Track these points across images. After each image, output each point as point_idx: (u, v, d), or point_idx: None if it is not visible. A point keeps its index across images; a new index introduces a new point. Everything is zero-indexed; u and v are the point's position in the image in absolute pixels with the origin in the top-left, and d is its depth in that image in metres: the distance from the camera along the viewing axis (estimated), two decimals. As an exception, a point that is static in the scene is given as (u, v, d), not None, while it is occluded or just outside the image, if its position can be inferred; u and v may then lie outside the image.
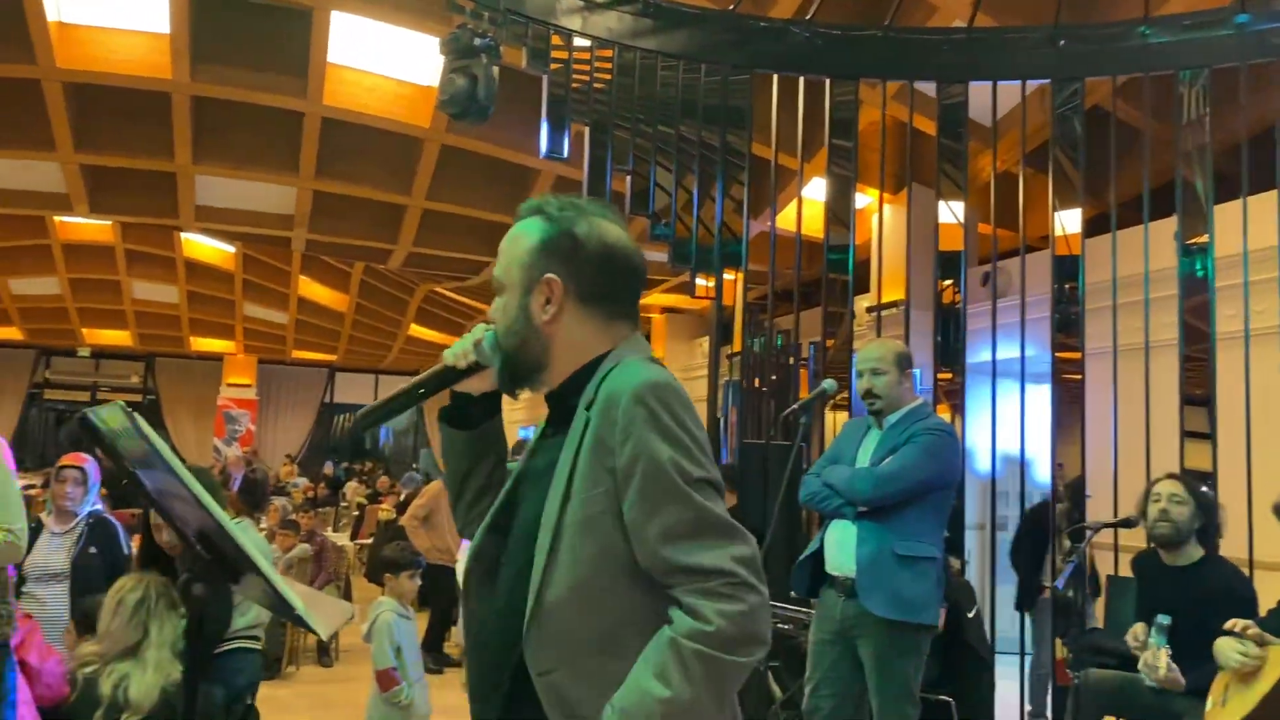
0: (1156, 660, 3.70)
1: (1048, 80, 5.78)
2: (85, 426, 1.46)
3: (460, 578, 1.68)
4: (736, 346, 6.61)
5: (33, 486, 8.50)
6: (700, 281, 6.20)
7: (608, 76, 5.70)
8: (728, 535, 1.39)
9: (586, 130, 5.70)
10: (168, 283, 14.82)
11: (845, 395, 5.78)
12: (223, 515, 1.44)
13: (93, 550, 4.16)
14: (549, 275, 1.55)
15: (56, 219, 12.09)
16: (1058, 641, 5.27)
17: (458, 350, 1.61)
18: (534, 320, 1.56)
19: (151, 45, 7.45)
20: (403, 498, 13.88)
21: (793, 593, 3.95)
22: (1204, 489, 4.24)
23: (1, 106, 8.25)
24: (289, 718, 6.05)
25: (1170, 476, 4.15)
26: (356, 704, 5.11)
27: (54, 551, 4.13)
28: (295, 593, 1.47)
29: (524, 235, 1.59)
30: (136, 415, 1.41)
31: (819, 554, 3.76)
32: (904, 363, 3.80)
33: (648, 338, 15.34)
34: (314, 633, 1.44)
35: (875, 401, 3.76)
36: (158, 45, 7.39)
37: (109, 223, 12.03)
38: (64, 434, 20.43)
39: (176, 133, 8.28)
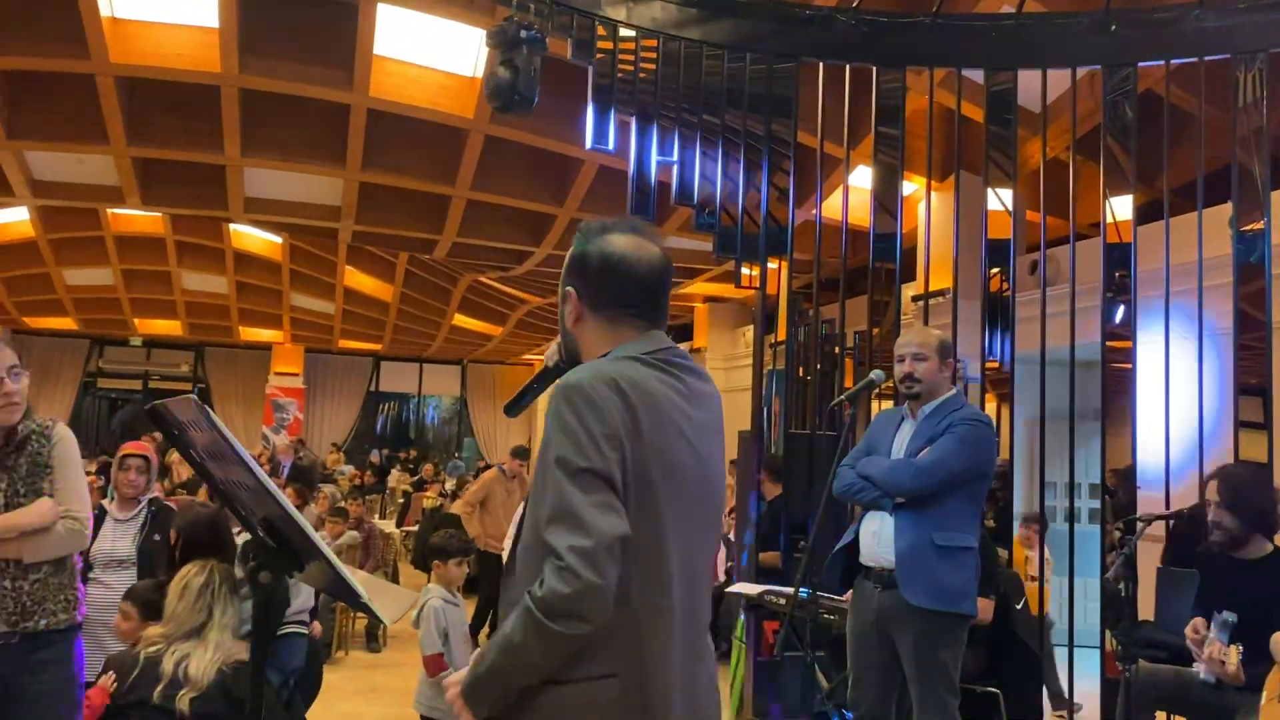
0: (1226, 656, 3.63)
1: (1098, 66, 5.70)
2: (155, 416, 1.50)
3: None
4: (780, 335, 6.59)
5: (88, 473, 8.68)
6: (744, 271, 6.19)
7: (652, 66, 5.70)
8: (575, 526, 1.60)
9: (631, 120, 5.71)
10: (217, 273, 15.04)
11: (890, 385, 5.75)
12: (289, 503, 1.47)
13: (156, 537, 4.26)
14: (568, 289, 1.89)
15: (109, 211, 12.30)
16: (1106, 633, 5.21)
17: (550, 352, 2.02)
18: (567, 325, 1.91)
19: (201, 39, 7.54)
20: (447, 486, 14.04)
21: (828, 586, 3.95)
22: (1254, 485, 4.12)
23: (57, 101, 8.41)
24: (338, 702, 6.14)
25: (1219, 474, 4.06)
26: (404, 689, 5.19)
27: (120, 538, 4.23)
28: (358, 579, 1.51)
29: (569, 257, 1.92)
30: (207, 407, 1.45)
31: (852, 546, 3.75)
32: (945, 351, 3.78)
33: (689, 327, 15.37)
34: (379, 619, 1.47)
35: (914, 386, 3.73)
36: (207, 39, 7.48)
37: (160, 215, 12.22)
38: (116, 421, 20.86)
39: (226, 126, 8.39)
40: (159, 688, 2.80)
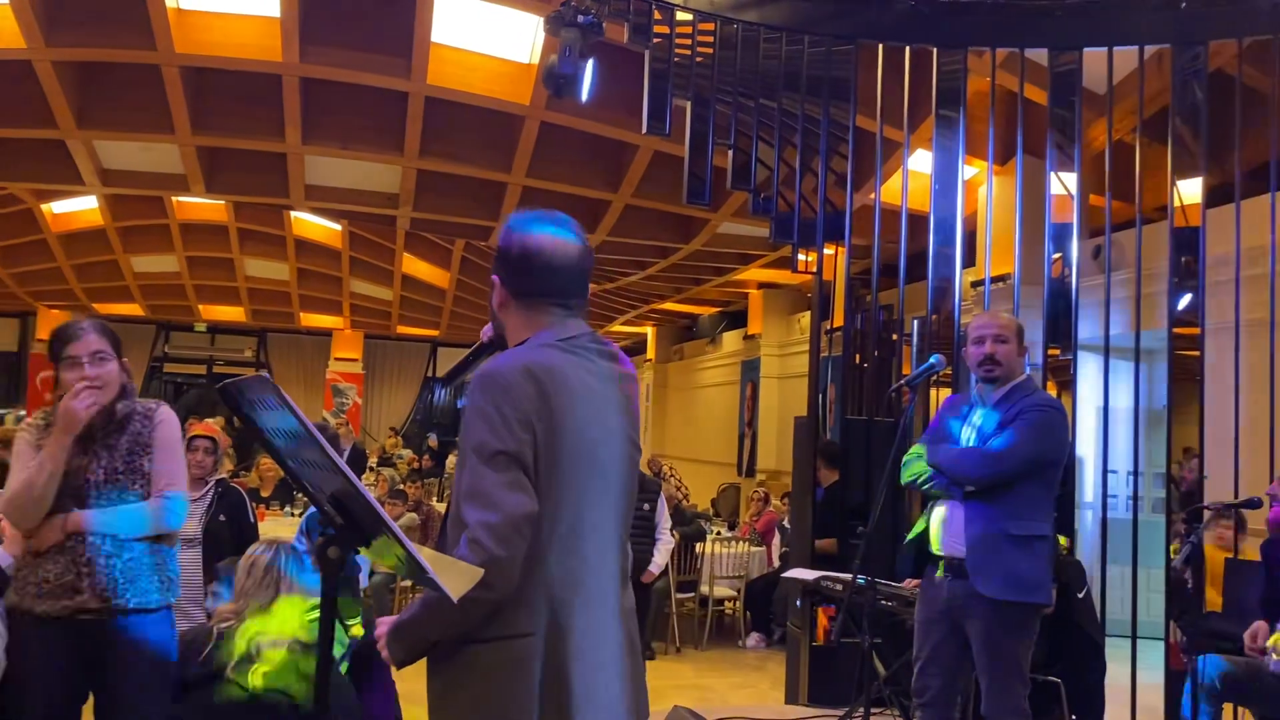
0: None
1: (1167, 45, 5.56)
2: (226, 395, 1.54)
3: None
4: (836, 322, 6.55)
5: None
6: (801, 257, 6.15)
7: (709, 50, 5.68)
8: (486, 504, 1.78)
9: (688, 105, 5.69)
10: (279, 260, 15.30)
11: (948, 372, 5.69)
12: (358, 480, 1.50)
13: (221, 518, 4.34)
14: (494, 276, 2.05)
15: (175, 199, 12.57)
16: (1172, 625, 5.12)
17: (485, 329, 2.14)
18: (494, 309, 2.07)
19: (263, 29, 7.66)
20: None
21: (900, 575, 3.92)
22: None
23: (125, 91, 8.59)
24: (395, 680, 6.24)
25: None
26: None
27: (188, 518, 4.33)
28: (424, 556, 1.53)
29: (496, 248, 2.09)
30: (278, 386, 1.48)
31: (923, 534, 3.71)
32: (1023, 335, 3.72)
33: (743, 314, 15.27)
34: (447, 594, 1.50)
35: (995, 369, 3.66)
36: (269, 29, 7.59)
37: (223, 202, 12.45)
38: (181, 405, 21.34)
39: (287, 114, 8.51)
40: (232, 662, 2.88)
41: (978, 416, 3.70)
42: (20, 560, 2.89)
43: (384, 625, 1.90)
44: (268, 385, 1.48)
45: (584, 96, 5.38)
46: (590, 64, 5.25)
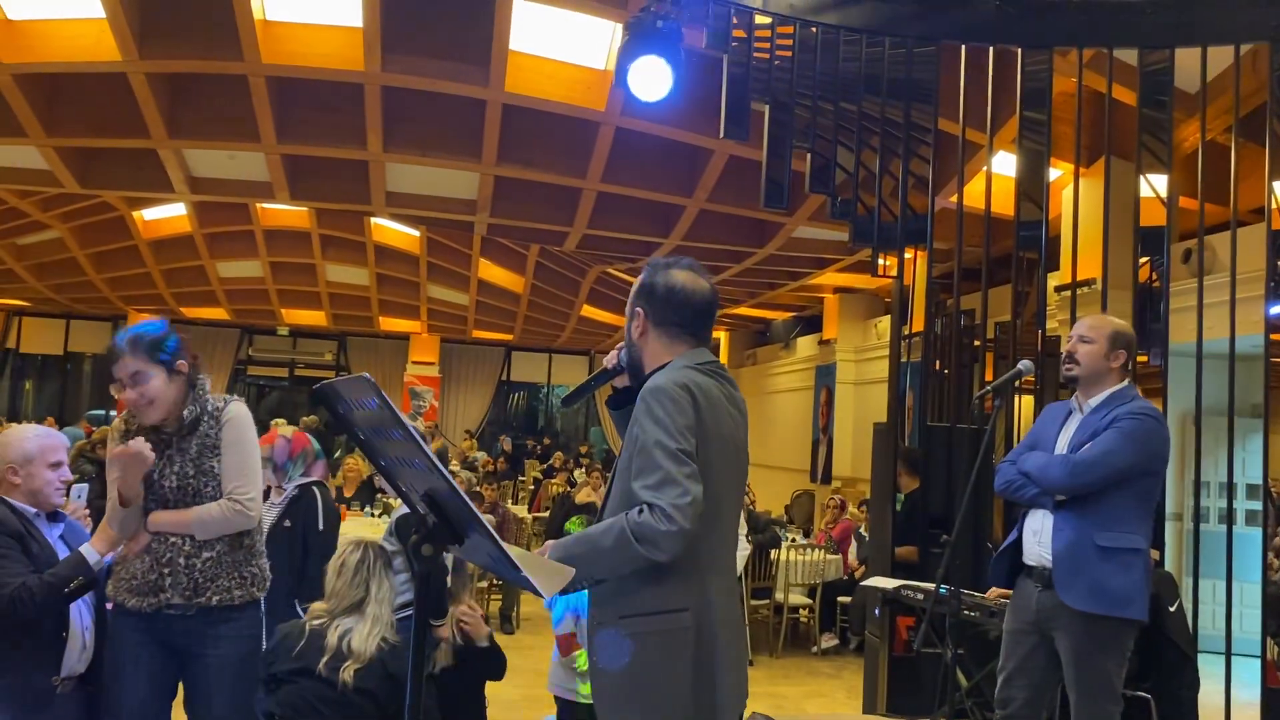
0: None
1: (1265, 42, 5.38)
2: (322, 396, 1.57)
3: None
4: (916, 326, 6.45)
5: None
6: (880, 261, 6.08)
7: (788, 54, 5.64)
8: (678, 489, 2.16)
9: (766, 109, 5.66)
10: (359, 266, 15.59)
11: (1031, 380, 5.57)
12: (453, 479, 1.52)
13: (287, 523, 4.37)
14: (638, 309, 2.43)
15: (259, 206, 12.88)
16: (1269, 641, 4.94)
17: (609, 358, 2.51)
18: (633, 338, 2.45)
19: (346, 39, 7.81)
20: (575, 475, 14.26)
21: (991, 584, 3.84)
22: None
23: (213, 101, 8.84)
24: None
25: None
26: (537, 670, 5.29)
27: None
28: (514, 554, 1.54)
29: (636, 281, 2.48)
30: (380, 388, 1.51)
31: (1018, 542, 3.63)
32: (1117, 340, 3.58)
33: (818, 319, 15.15)
34: (537, 593, 1.51)
35: (1073, 368, 3.58)
36: (351, 39, 7.73)
37: (306, 209, 12.73)
38: (263, 407, 21.86)
39: (369, 122, 8.67)
40: (324, 659, 2.93)
41: (1074, 423, 3.61)
42: (119, 556, 3.00)
43: (549, 549, 2.20)
44: (369, 387, 1.50)
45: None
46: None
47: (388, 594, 3.04)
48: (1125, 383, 3.62)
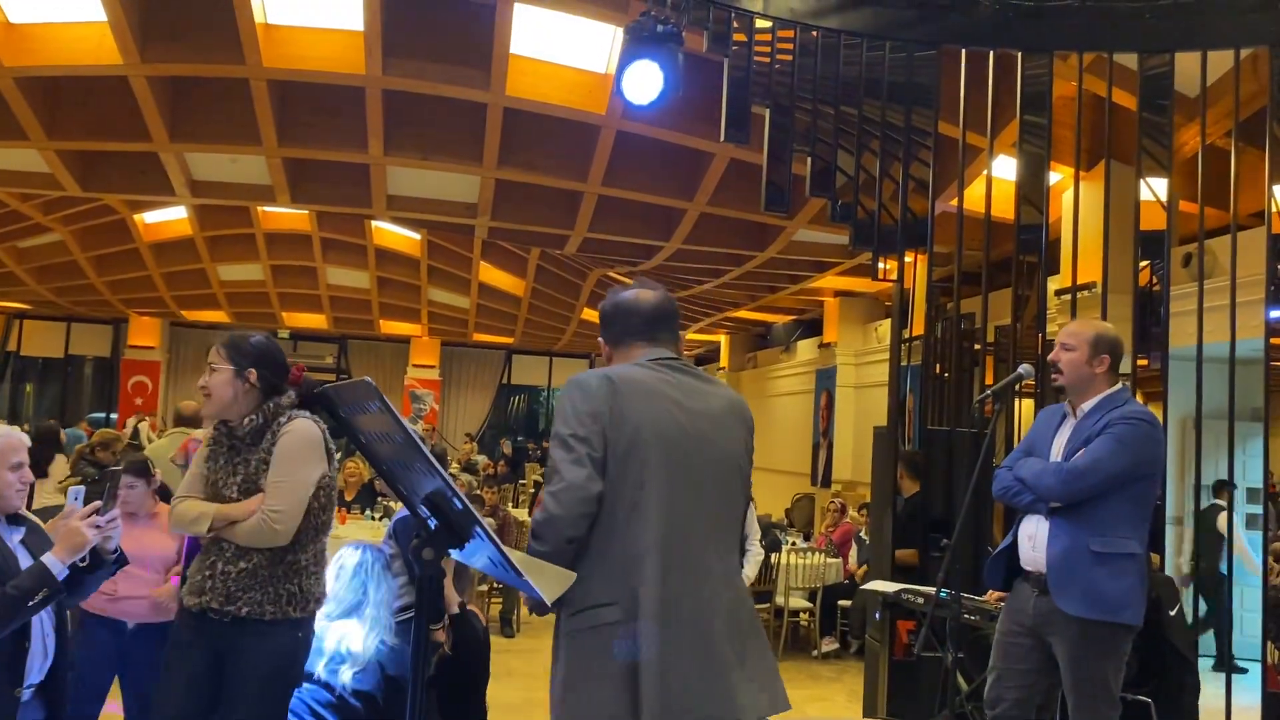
0: None
1: (1265, 45, 5.38)
2: (324, 399, 1.57)
3: None
4: (916, 330, 6.45)
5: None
6: (880, 264, 6.08)
7: (788, 57, 5.65)
8: (554, 476, 2.21)
9: (766, 113, 5.67)
10: (359, 269, 15.60)
11: (1031, 383, 5.57)
12: (454, 483, 1.52)
13: None
14: (600, 339, 2.54)
15: (260, 209, 12.89)
16: (1269, 645, 4.94)
17: None
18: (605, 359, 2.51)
19: (347, 42, 7.82)
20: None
21: (988, 586, 3.84)
22: None
23: (214, 105, 8.85)
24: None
25: None
26: (537, 674, 5.29)
27: None
28: (514, 559, 1.55)
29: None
30: (379, 390, 1.51)
31: (1014, 546, 3.63)
32: (1101, 345, 3.57)
33: (818, 322, 15.16)
34: (538, 597, 1.51)
35: (1058, 377, 3.59)
36: (352, 42, 7.74)
37: (307, 212, 12.74)
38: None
39: (370, 126, 8.68)
40: (322, 662, 2.93)
41: (1068, 429, 3.61)
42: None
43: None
44: (371, 390, 1.51)
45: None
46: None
47: (386, 597, 3.04)
48: (1118, 386, 3.62)
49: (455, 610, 3.66)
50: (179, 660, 2.96)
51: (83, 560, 2.71)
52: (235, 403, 2.98)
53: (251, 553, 2.91)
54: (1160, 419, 5.78)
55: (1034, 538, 3.51)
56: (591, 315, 16.95)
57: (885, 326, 13.21)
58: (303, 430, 2.98)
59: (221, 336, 3.02)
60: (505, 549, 1.52)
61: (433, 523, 1.59)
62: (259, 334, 3.10)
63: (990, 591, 4.21)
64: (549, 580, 1.56)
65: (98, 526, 2.63)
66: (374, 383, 1.49)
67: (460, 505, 1.51)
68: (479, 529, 1.53)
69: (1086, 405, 3.57)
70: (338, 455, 3.09)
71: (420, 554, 1.57)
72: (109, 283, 16.30)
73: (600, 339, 2.53)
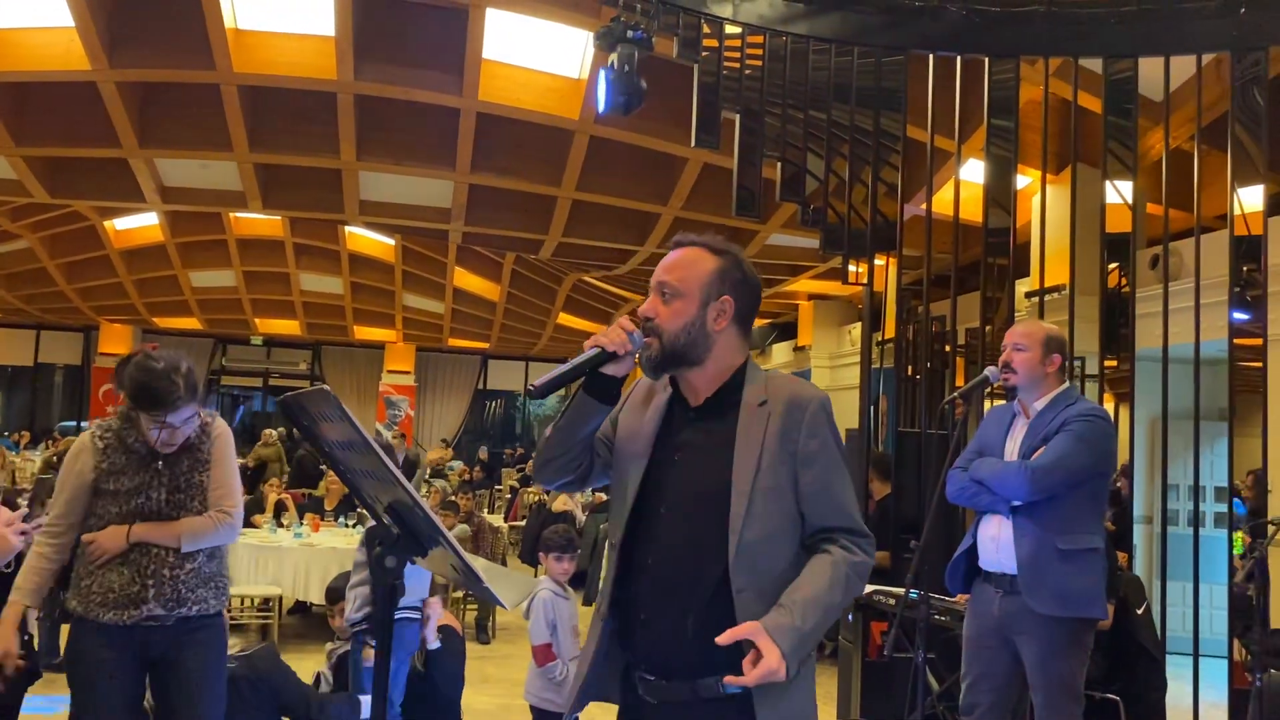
0: None
1: (1226, 51, 5.46)
2: (286, 408, 1.57)
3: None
4: (888, 333, 6.50)
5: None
6: (851, 268, 6.12)
7: (758, 63, 5.68)
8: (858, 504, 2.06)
9: (737, 118, 5.70)
10: (333, 275, 15.54)
11: (1000, 385, 5.62)
12: (414, 490, 1.53)
13: None
14: (725, 296, 2.04)
15: (232, 215, 12.82)
16: (1235, 642, 5.01)
17: (616, 339, 1.97)
18: (708, 327, 2.02)
19: (318, 48, 7.80)
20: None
21: (949, 589, 3.87)
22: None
23: (184, 110, 8.80)
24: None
25: None
26: (514, 679, 5.29)
27: None
28: (477, 566, 1.55)
29: (703, 259, 2.05)
30: (338, 399, 1.51)
31: (973, 549, 3.66)
32: (1051, 344, 3.62)
33: (793, 325, 15.23)
34: (499, 604, 1.52)
35: (1011, 377, 3.63)
36: (324, 47, 7.72)
37: (279, 218, 12.68)
38: (237, 419, 21.74)
39: (342, 131, 8.66)
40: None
41: (1021, 428, 3.65)
42: (81, 570, 2.98)
43: (772, 648, 1.81)
44: (328, 398, 1.51)
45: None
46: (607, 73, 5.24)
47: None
48: (1066, 385, 3.67)
49: (435, 645, 3.68)
50: (106, 678, 2.93)
51: (7, 566, 2.71)
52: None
53: (196, 554, 2.99)
54: (1128, 419, 5.86)
55: (997, 539, 3.54)
56: (568, 320, 16.96)
57: (859, 329, 13.29)
58: (228, 431, 3.14)
59: (163, 392, 2.91)
60: (467, 556, 1.53)
61: (396, 531, 1.59)
62: (148, 356, 2.99)
63: (960, 595, 4.24)
64: (511, 587, 1.57)
65: (23, 532, 2.61)
66: (331, 391, 1.50)
67: (421, 513, 1.52)
68: (441, 537, 1.53)
69: (1039, 404, 3.62)
70: (323, 466, 3.14)
71: (382, 562, 1.58)
72: (79, 290, 16.16)
73: (728, 296, 2.07)
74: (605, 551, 2.12)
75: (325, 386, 1.50)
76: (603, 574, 2.16)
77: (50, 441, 15.72)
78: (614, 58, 5.10)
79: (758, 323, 17.26)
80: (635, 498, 2.03)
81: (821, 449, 2.00)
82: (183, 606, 2.94)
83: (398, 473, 1.51)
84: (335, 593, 4.27)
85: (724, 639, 1.79)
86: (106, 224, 13.26)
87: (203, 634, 2.99)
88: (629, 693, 2.04)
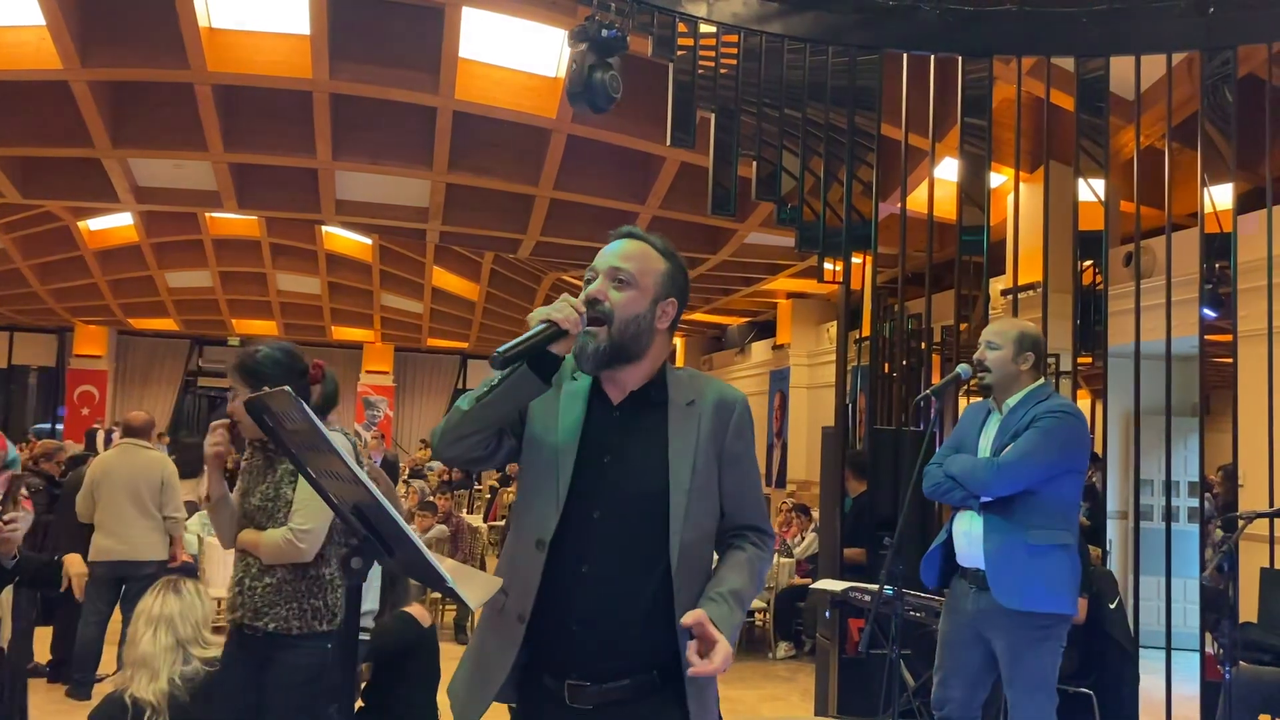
0: None
1: (1196, 50, 5.51)
2: (251, 409, 1.56)
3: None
4: (865, 331, 6.53)
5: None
6: (827, 266, 6.14)
7: (733, 62, 5.69)
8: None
9: (712, 116, 5.70)
10: (310, 275, 15.46)
11: (976, 381, 5.66)
12: (379, 492, 1.52)
13: None
14: (672, 298, 2.03)
15: (208, 215, 12.73)
16: (1207, 635, 5.06)
17: (569, 316, 1.87)
18: (655, 324, 2.00)
19: (293, 46, 7.76)
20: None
21: (924, 585, 3.89)
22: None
23: (158, 109, 8.74)
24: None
25: None
26: (492, 680, 5.27)
27: None
28: (444, 567, 1.55)
29: (654, 256, 2.03)
30: (300, 400, 1.51)
31: (949, 544, 3.69)
32: (1024, 342, 3.65)
33: (772, 324, 15.25)
34: (465, 604, 1.51)
35: (984, 375, 3.66)
36: (299, 46, 7.69)
37: (255, 218, 12.60)
38: (214, 419, 21.56)
39: (317, 130, 8.61)
40: None
41: (994, 425, 3.68)
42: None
43: (723, 639, 1.83)
44: (290, 399, 1.50)
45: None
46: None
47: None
48: (1040, 381, 3.70)
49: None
50: (225, 675, 2.99)
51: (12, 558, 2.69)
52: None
53: (276, 568, 2.88)
54: (1102, 415, 5.91)
55: (969, 534, 3.56)
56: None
57: (836, 328, 13.33)
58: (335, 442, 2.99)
59: (232, 358, 2.95)
60: (433, 556, 1.52)
61: (362, 532, 1.59)
62: (265, 345, 3.03)
63: (934, 589, 4.27)
64: (477, 587, 1.57)
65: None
66: (293, 392, 1.49)
67: (387, 514, 1.52)
68: (407, 537, 1.53)
69: (1012, 401, 3.65)
70: None
71: (348, 563, 1.58)
72: (53, 291, 16.01)
73: (674, 299, 2.07)
74: (512, 546, 2.01)
75: (287, 388, 1.49)
76: (497, 568, 2.07)
77: (25, 444, 15.58)
78: (573, 57, 5.09)
79: (737, 321, 17.33)
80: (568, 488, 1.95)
81: (745, 450, 2.06)
82: (260, 620, 2.87)
83: (361, 474, 1.50)
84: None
85: (689, 620, 1.82)
86: (80, 224, 13.14)
87: (281, 654, 2.86)
88: (531, 696, 1.98)
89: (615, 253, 2.00)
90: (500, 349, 1.82)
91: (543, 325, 1.85)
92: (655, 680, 1.93)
